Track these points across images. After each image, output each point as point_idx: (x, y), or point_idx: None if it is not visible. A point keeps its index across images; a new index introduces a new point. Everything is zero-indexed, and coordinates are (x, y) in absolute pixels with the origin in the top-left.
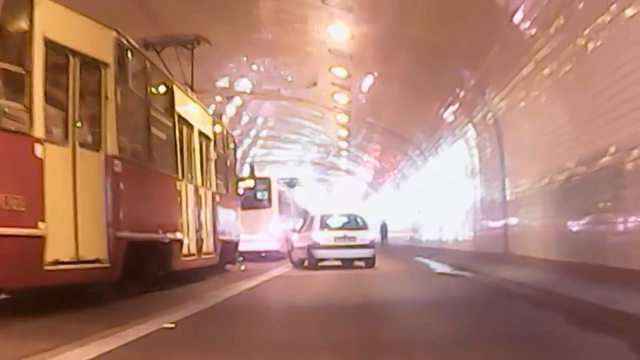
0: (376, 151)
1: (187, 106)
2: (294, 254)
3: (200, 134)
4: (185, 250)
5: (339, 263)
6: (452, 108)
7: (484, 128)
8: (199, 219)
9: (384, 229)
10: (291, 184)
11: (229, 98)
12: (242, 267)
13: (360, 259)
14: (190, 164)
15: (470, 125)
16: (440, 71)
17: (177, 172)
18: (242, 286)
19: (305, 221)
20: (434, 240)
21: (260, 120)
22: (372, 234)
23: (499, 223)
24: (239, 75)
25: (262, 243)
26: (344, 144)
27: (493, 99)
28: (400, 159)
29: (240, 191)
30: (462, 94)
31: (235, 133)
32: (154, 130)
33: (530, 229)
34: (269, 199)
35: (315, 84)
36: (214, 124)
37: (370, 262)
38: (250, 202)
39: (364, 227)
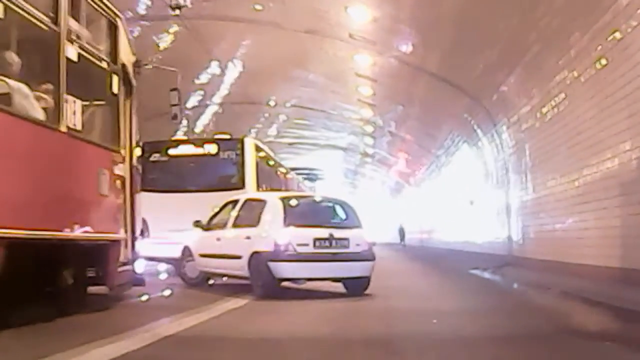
0: (411, 129)
1: None
2: (190, 264)
3: None
4: None
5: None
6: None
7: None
8: None
9: (402, 232)
10: (310, 177)
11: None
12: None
13: (349, 280)
14: None
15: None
16: None
17: None
18: None
19: (223, 209)
20: (499, 242)
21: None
22: (368, 236)
23: None
24: None
25: None
26: (368, 113)
27: None
28: (448, 128)
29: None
30: None
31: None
32: None
33: None
34: (241, 176)
35: None
36: None
37: (361, 286)
38: (208, 180)
39: (357, 223)
